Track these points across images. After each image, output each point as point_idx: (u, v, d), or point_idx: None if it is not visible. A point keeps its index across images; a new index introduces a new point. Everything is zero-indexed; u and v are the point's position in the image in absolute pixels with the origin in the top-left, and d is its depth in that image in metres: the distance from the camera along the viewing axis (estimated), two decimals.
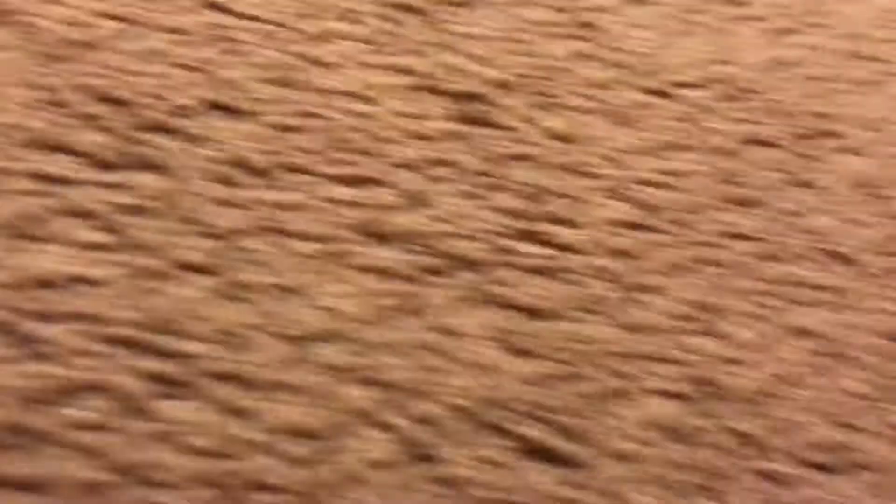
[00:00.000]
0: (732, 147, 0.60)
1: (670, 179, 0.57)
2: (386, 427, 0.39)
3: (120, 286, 0.40)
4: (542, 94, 0.59)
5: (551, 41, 0.63)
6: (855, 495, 0.44)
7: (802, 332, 0.51)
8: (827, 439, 0.46)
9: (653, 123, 0.60)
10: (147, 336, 0.39)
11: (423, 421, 0.40)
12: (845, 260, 0.56)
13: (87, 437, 0.35)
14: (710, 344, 0.48)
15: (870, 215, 0.60)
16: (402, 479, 0.38)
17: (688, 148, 0.59)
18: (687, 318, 0.49)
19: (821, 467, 0.45)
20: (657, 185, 0.56)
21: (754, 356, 0.49)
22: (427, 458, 0.39)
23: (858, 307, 0.53)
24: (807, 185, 0.60)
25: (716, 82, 0.65)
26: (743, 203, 0.57)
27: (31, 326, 0.37)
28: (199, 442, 0.36)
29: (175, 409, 0.37)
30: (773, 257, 0.55)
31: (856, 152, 0.64)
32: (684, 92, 0.63)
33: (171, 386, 0.38)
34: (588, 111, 0.59)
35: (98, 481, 0.34)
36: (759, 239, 0.55)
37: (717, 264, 0.53)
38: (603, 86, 0.61)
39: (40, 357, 0.36)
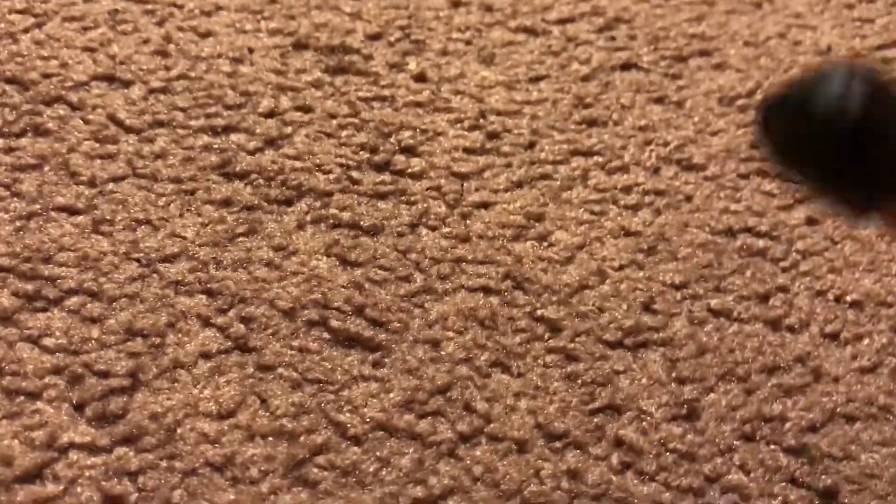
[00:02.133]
0: (593, 74, 0.66)
1: (523, 108, 0.62)
2: (212, 326, 0.47)
3: (3, 228, 0.49)
4: (410, 41, 0.65)
5: None
6: (652, 368, 0.50)
7: (627, 233, 0.56)
8: (630, 322, 0.51)
9: (518, 59, 0.65)
10: (21, 264, 0.48)
11: (248, 320, 0.48)
12: (690, 167, 0.61)
13: None
14: (531, 248, 0.54)
15: (726, 124, 0.64)
16: (222, 366, 0.46)
17: (547, 78, 0.64)
18: (513, 226, 0.55)
19: (620, 345, 0.51)
20: (509, 114, 0.62)
21: (574, 255, 0.54)
22: (247, 350, 0.47)
23: (693, 209, 0.58)
24: (666, 102, 0.65)
25: (588, 15, 0.70)
26: (592, 123, 0.62)
27: None
28: (54, 342, 0.45)
29: (37, 319, 0.46)
30: (613, 169, 0.60)
31: (723, 69, 0.68)
32: (553, 28, 0.68)
33: (35, 301, 0.47)
34: (453, 53, 0.65)
35: None
36: (601, 153, 0.61)
37: (553, 179, 0.58)
38: (472, 28, 0.67)
39: None
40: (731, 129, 0.63)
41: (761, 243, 0.56)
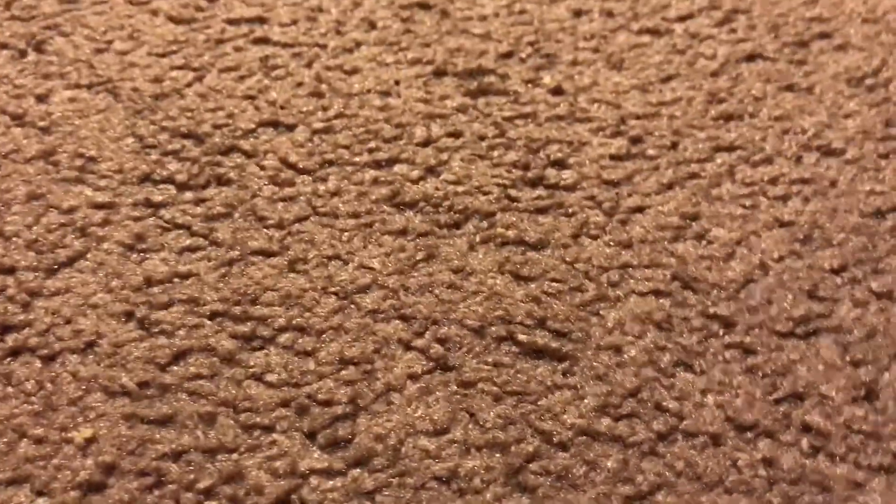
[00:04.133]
0: (722, 69, 0.67)
1: (660, 109, 0.65)
2: (413, 349, 0.51)
3: (209, 275, 0.54)
4: (541, 55, 0.68)
5: (549, 6, 0.72)
6: (826, 354, 0.52)
7: (781, 224, 0.58)
8: (798, 311, 0.54)
9: (646, 61, 0.68)
10: (232, 308, 0.53)
11: (443, 340, 0.52)
12: (830, 152, 0.62)
13: (195, 384, 0.49)
14: (692, 246, 0.57)
15: (857, 106, 0.65)
16: (429, 386, 0.50)
17: (677, 77, 0.66)
18: (671, 227, 0.58)
19: (792, 335, 0.53)
20: (646, 116, 0.64)
21: (735, 250, 0.57)
22: (448, 368, 0.51)
23: (839, 193, 0.60)
24: (796, 89, 0.66)
25: (706, 10, 0.71)
26: (729, 118, 0.64)
27: (146, 312, 0.52)
28: (276, 377, 0.50)
29: (257, 357, 0.51)
30: (757, 162, 0.62)
31: (846, 49, 0.69)
32: (675, 26, 0.70)
33: (252, 340, 0.51)
34: (584, 62, 0.67)
35: (206, 412, 0.48)
36: (743, 147, 0.62)
37: (701, 177, 0.61)
38: (597, 35, 0.69)
39: (156, 334, 0.51)
40: (863, 109, 0.65)
41: None
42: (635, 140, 0.62)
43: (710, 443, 0.48)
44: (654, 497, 0.46)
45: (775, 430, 0.48)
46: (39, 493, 0.44)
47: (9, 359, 0.50)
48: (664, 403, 0.49)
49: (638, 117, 0.64)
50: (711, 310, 0.53)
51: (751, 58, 0.68)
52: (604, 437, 0.48)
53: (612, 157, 0.62)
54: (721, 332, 0.52)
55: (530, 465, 0.47)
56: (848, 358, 0.52)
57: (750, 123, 0.64)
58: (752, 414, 0.49)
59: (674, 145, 0.62)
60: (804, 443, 0.48)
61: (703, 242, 0.57)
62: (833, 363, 0.51)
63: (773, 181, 0.60)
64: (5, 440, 0.46)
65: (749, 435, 0.48)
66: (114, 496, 0.45)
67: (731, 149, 0.62)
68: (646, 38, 0.69)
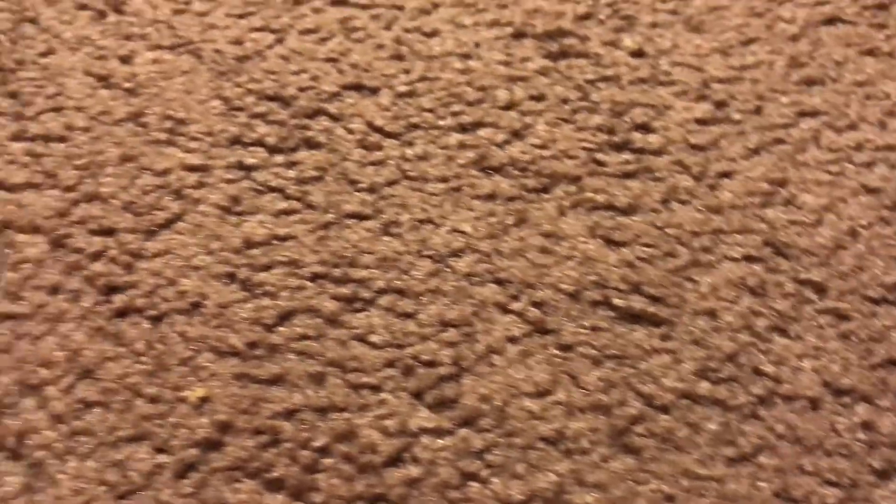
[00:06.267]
0: (802, 32, 0.67)
1: (742, 73, 0.64)
2: (512, 313, 0.52)
3: (306, 238, 0.55)
4: (619, 17, 0.67)
5: None
6: None
7: (869, 190, 0.58)
8: (890, 278, 0.54)
9: (726, 24, 0.67)
10: (331, 270, 0.53)
11: (540, 304, 0.52)
12: None
13: (302, 345, 0.50)
14: (781, 212, 0.57)
15: None
16: (529, 349, 0.51)
17: (758, 41, 0.66)
18: (760, 193, 0.58)
19: (885, 301, 0.53)
20: (729, 80, 0.64)
21: (823, 216, 0.57)
22: (546, 332, 0.51)
23: None
24: (877, 53, 0.66)
25: None
26: (811, 82, 0.64)
27: (248, 274, 0.53)
28: (380, 338, 0.51)
29: (359, 319, 0.52)
30: (842, 128, 0.62)
31: None
32: None
33: (353, 302, 0.52)
34: (664, 24, 0.67)
35: (315, 372, 0.49)
36: (827, 112, 0.62)
37: (787, 142, 0.61)
38: None
39: (259, 295, 0.52)
40: None
41: None
42: (720, 104, 0.62)
43: (809, 406, 0.49)
44: (757, 458, 0.47)
45: (873, 395, 0.49)
46: (159, 451, 0.45)
47: (116, 319, 0.51)
48: (762, 367, 0.50)
49: (720, 81, 0.64)
50: (803, 276, 0.54)
51: (830, 21, 0.68)
52: (704, 400, 0.49)
53: (698, 121, 0.62)
54: (814, 298, 0.53)
55: (634, 427, 0.47)
56: None
57: (832, 88, 0.64)
58: (849, 379, 0.50)
59: (758, 110, 0.62)
60: None
61: (792, 208, 0.57)
62: None
63: (859, 147, 0.60)
64: (122, 398, 0.47)
65: (847, 399, 0.49)
66: (232, 454, 0.46)
67: (814, 114, 0.62)
68: (724, 1, 0.69)
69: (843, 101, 0.63)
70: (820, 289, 0.53)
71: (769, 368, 0.50)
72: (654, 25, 0.67)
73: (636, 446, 0.47)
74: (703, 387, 0.49)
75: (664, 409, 0.48)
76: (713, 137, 0.61)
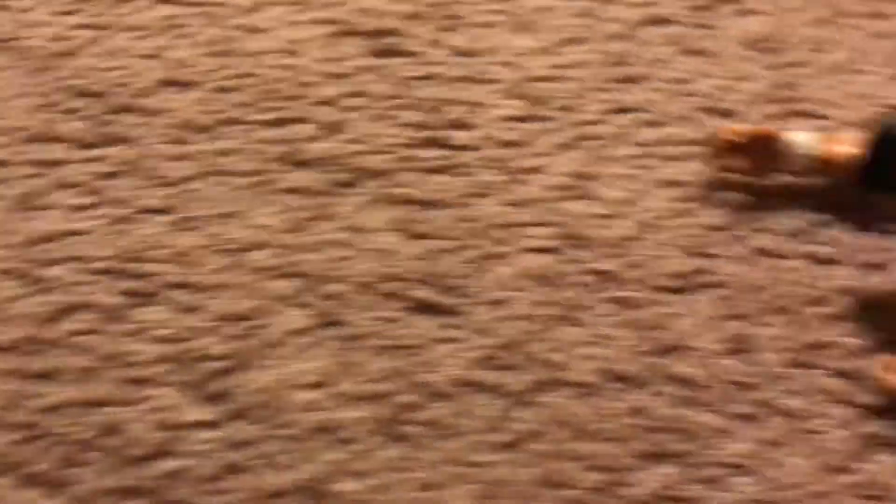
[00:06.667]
0: (627, 32, 0.68)
1: (563, 72, 0.65)
2: (302, 305, 0.52)
3: (101, 233, 0.54)
4: (448, 17, 0.68)
5: None
6: (705, 310, 0.54)
7: (670, 184, 0.60)
8: (682, 267, 0.55)
9: (552, 24, 0.68)
10: (121, 265, 0.53)
11: (332, 297, 0.53)
12: (725, 114, 0.64)
13: (82, 339, 0.50)
14: (581, 206, 0.58)
15: (758, 69, 0.66)
16: (314, 341, 0.51)
17: (582, 40, 0.67)
18: (563, 187, 0.59)
19: (674, 290, 0.54)
20: (548, 79, 0.65)
21: (622, 209, 0.58)
22: (335, 323, 0.52)
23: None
24: (698, 52, 0.67)
25: None
26: (629, 80, 0.65)
27: (39, 271, 0.52)
28: (162, 333, 0.50)
29: (144, 314, 0.51)
30: (653, 124, 0.63)
31: (752, 14, 0.70)
32: None
33: (140, 297, 0.52)
34: (490, 25, 0.68)
35: (91, 367, 0.49)
36: (640, 110, 0.63)
37: (597, 139, 0.62)
38: None
39: (46, 290, 0.51)
40: None
41: None
42: (536, 102, 0.63)
43: (585, 393, 0.49)
44: (526, 444, 0.47)
45: (647, 381, 0.50)
46: None
47: None
48: (543, 355, 0.50)
49: (539, 79, 0.64)
50: (596, 265, 0.55)
51: (658, 21, 0.69)
52: (483, 387, 0.49)
53: (512, 119, 0.62)
54: (604, 287, 0.54)
55: (406, 416, 0.48)
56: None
57: (651, 86, 0.65)
58: (626, 365, 0.50)
59: (573, 107, 0.63)
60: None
61: (592, 201, 0.58)
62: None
63: (666, 143, 0.62)
64: None
65: (621, 385, 0.50)
66: None
67: (628, 110, 0.63)
68: (553, 3, 0.70)
69: (659, 97, 0.64)
70: (611, 278, 0.54)
71: (551, 356, 0.51)
72: (479, 25, 0.68)
73: (406, 434, 0.47)
74: (483, 375, 0.49)
75: (442, 397, 0.48)
76: (526, 134, 0.62)
